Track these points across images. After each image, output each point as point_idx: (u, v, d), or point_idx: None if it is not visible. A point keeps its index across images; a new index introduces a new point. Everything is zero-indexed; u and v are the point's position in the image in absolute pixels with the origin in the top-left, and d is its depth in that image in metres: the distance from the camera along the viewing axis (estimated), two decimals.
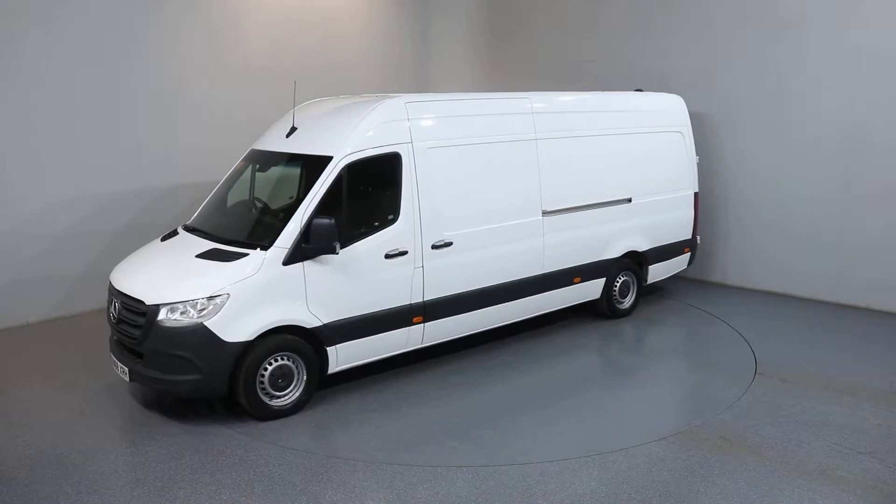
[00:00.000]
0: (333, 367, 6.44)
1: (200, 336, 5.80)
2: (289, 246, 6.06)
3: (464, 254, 7.03)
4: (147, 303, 5.98)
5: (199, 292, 5.88)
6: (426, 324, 6.89)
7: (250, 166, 7.31)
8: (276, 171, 7.32)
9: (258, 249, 6.08)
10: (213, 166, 9.05)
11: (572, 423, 6.14)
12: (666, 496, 4.98)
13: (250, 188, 7.27)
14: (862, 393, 6.63)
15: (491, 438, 5.84)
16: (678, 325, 8.79)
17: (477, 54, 13.00)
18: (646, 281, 8.99)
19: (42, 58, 8.52)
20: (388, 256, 6.54)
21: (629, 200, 8.53)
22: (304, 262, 6.13)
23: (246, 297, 5.92)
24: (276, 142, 7.16)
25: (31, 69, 8.46)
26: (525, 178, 7.57)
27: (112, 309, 6.43)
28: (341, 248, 6.20)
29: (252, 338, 5.94)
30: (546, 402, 6.52)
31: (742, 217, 10.06)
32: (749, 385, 6.84)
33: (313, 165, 6.51)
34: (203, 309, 5.83)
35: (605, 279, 8.45)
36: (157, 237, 7.16)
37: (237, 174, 7.37)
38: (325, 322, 6.25)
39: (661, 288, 9.82)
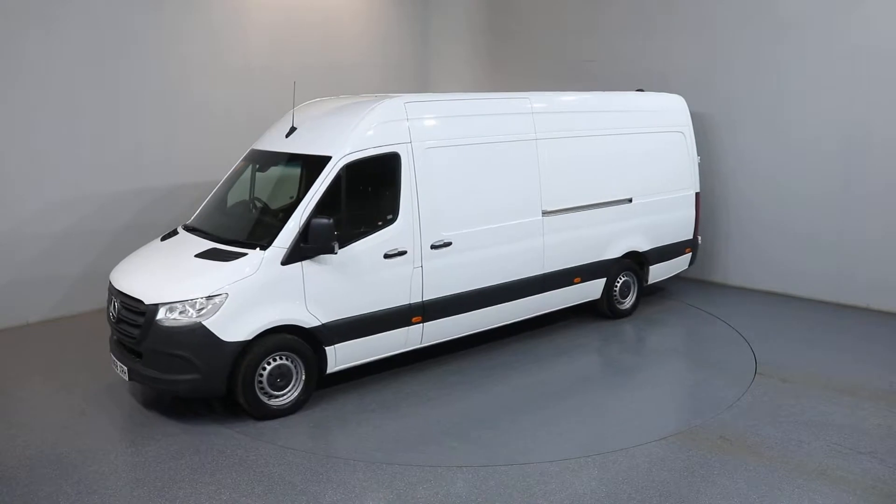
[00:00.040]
0: (332, 367, 6.44)
1: (199, 335, 5.81)
2: (287, 246, 6.07)
3: (463, 254, 7.03)
4: (146, 302, 5.99)
5: (197, 292, 5.88)
6: (425, 324, 6.89)
7: (250, 166, 7.31)
8: (275, 171, 7.33)
9: (257, 249, 6.08)
10: (213, 166, 9.05)
11: (572, 423, 6.14)
12: (666, 496, 4.98)
13: (250, 188, 7.27)
14: (862, 393, 6.63)
15: (491, 438, 5.84)
16: (678, 325, 8.79)
17: (477, 54, 13.00)
18: (646, 281, 8.98)
19: (42, 58, 8.52)
20: (387, 256, 6.54)
21: (630, 200, 8.52)
22: (303, 262, 6.13)
23: (244, 296, 5.92)
24: (275, 142, 7.16)
25: (31, 69, 8.46)
26: (525, 178, 7.57)
27: (112, 308, 6.44)
28: (340, 247, 6.20)
29: (250, 337, 5.94)
30: (546, 402, 6.52)
31: (743, 217, 10.06)
32: (749, 385, 6.84)
33: (312, 165, 6.51)
34: (202, 308, 5.83)
35: (605, 279, 8.44)
36: (157, 237, 7.17)
37: (237, 174, 7.37)
38: (323, 322, 6.25)
39: (662, 288, 9.82)
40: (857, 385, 6.80)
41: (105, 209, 9.18)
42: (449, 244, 6.91)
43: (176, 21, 9.55)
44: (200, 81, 9.84)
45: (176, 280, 6.14)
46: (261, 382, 6.07)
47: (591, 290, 8.37)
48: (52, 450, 5.69)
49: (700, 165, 9.40)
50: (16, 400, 6.74)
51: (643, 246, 8.74)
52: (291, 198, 6.94)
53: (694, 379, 7.30)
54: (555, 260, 7.83)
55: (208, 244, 6.43)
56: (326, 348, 6.34)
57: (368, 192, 6.91)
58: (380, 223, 6.58)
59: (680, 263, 9.39)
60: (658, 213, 8.86)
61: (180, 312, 5.85)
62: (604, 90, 9.61)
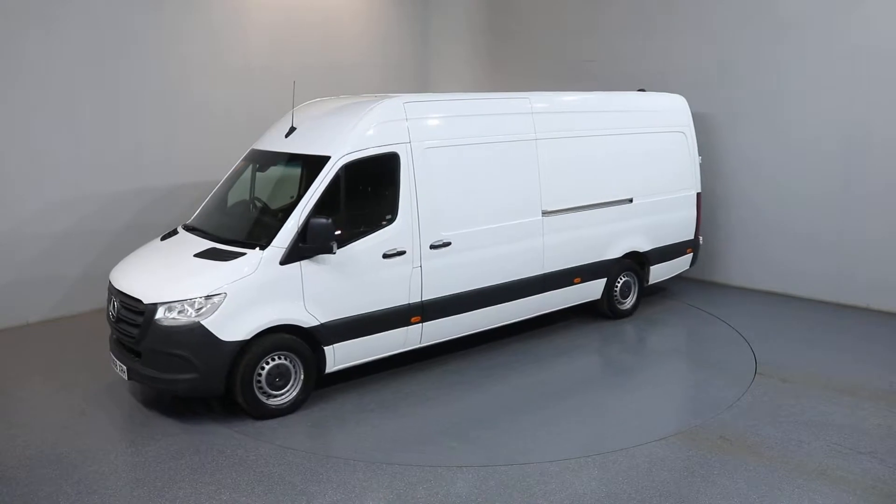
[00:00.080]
0: (331, 367, 6.44)
1: (197, 335, 5.81)
2: (286, 245, 6.07)
3: (462, 254, 7.03)
4: (145, 302, 5.99)
5: (196, 291, 5.89)
6: (424, 324, 6.89)
7: (250, 166, 7.32)
8: (275, 170, 7.33)
9: (256, 249, 6.09)
10: (213, 166, 9.05)
11: (572, 423, 6.14)
12: (666, 496, 4.98)
13: (250, 188, 7.28)
14: (862, 393, 6.63)
15: (490, 438, 5.83)
16: (679, 325, 8.79)
17: (477, 54, 13.00)
18: (647, 281, 8.97)
19: (42, 58, 8.52)
20: (385, 256, 6.54)
21: (630, 201, 8.52)
22: (302, 262, 6.14)
23: (243, 296, 5.93)
24: (275, 142, 7.16)
25: (31, 69, 8.46)
26: (524, 178, 7.56)
27: (111, 308, 6.45)
28: (339, 247, 6.21)
29: (249, 337, 5.95)
30: (546, 402, 6.52)
31: (744, 217, 10.05)
32: (749, 385, 6.84)
33: (311, 165, 6.52)
34: (200, 308, 5.84)
35: (605, 279, 8.43)
36: (157, 237, 7.17)
37: (237, 174, 7.38)
38: (322, 321, 6.26)
39: (663, 288, 9.82)
40: (857, 385, 6.80)
41: (105, 209, 9.18)
42: (448, 244, 6.91)
43: (176, 21, 9.55)
44: (200, 81, 9.84)
45: (175, 280, 6.14)
46: (259, 382, 6.07)
47: (592, 290, 8.37)
48: (52, 450, 5.69)
49: (701, 165, 9.39)
50: (16, 400, 6.74)
51: (644, 246, 8.74)
52: (291, 198, 6.94)
53: (694, 379, 7.30)
54: (555, 260, 7.82)
55: (207, 244, 6.44)
56: (325, 348, 6.34)
57: (367, 192, 6.92)
58: (379, 223, 6.58)
59: (681, 264, 9.38)
60: (659, 214, 8.85)
61: (179, 312, 5.86)
62: (604, 90, 9.61)
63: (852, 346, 7.90)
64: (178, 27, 9.58)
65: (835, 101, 9.05)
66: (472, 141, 7.18)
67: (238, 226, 7.02)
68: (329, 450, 5.75)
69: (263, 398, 6.12)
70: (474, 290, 7.19)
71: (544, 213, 7.68)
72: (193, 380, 5.90)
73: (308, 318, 6.19)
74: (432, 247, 6.82)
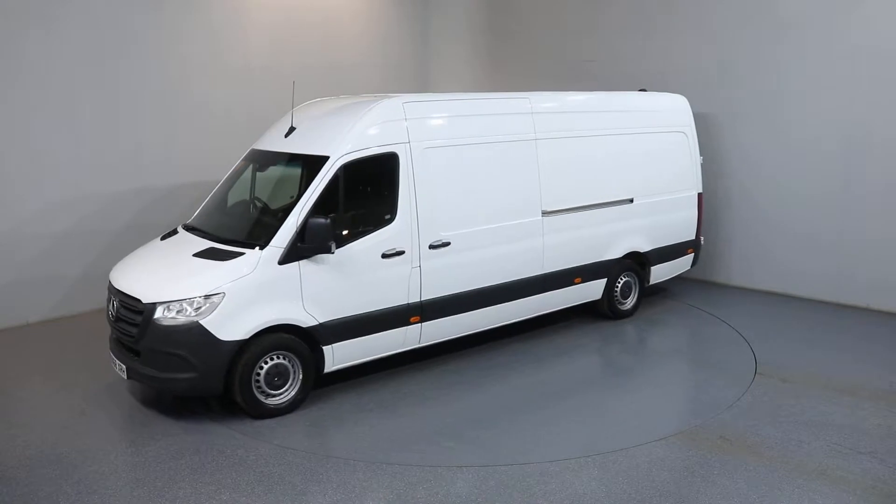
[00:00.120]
0: (330, 367, 6.45)
1: (196, 334, 5.82)
2: (284, 245, 6.08)
3: (462, 254, 7.03)
4: (144, 301, 6.00)
5: (195, 291, 5.90)
6: (423, 323, 6.89)
7: (250, 166, 7.32)
8: (275, 170, 7.33)
9: (255, 249, 6.09)
10: (213, 166, 9.06)
11: (572, 423, 6.14)
12: (666, 496, 4.98)
13: (251, 188, 7.28)
14: (862, 393, 6.63)
15: (490, 438, 5.83)
16: (679, 325, 8.78)
17: (477, 54, 13.00)
18: (648, 282, 8.96)
19: (42, 58, 8.52)
20: (384, 256, 6.55)
21: (631, 201, 8.51)
22: (300, 262, 6.14)
23: (242, 295, 5.93)
24: (275, 142, 7.17)
25: (31, 69, 8.46)
26: (524, 178, 7.56)
27: (111, 307, 6.45)
28: (338, 247, 6.22)
29: (247, 336, 5.95)
30: (546, 402, 6.52)
31: (745, 217, 10.04)
32: (749, 385, 6.84)
33: (310, 165, 6.52)
34: (199, 307, 5.85)
35: (606, 280, 8.43)
36: (157, 237, 7.17)
37: (237, 174, 7.38)
38: (320, 321, 6.26)
39: (664, 289, 9.82)
40: (857, 385, 6.80)
41: (105, 209, 9.18)
42: (447, 244, 6.91)
43: (176, 21, 9.55)
44: (200, 81, 9.84)
45: (174, 279, 6.15)
46: (258, 381, 6.08)
47: (592, 290, 8.37)
48: (52, 450, 5.69)
49: (702, 166, 9.38)
50: (16, 400, 6.74)
51: (644, 246, 8.73)
52: (291, 197, 6.94)
53: (694, 379, 7.30)
54: (555, 260, 7.82)
55: (207, 244, 6.44)
56: (324, 348, 6.34)
57: (366, 192, 6.92)
58: (378, 223, 6.58)
59: (682, 264, 9.37)
60: (660, 214, 8.84)
61: (178, 311, 5.86)
62: (605, 90, 9.60)
63: (852, 346, 7.90)
64: (178, 27, 9.58)
65: (835, 101, 9.05)
66: (472, 141, 7.18)
67: (237, 226, 7.02)
68: (328, 450, 5.75)
69: (262, 397, 6.13)
70: (473, 290, 7.19)
71: (544, 213, 7.68)
72: (192, 379, 5.91)
73: (307, 317, 6.19)
74: (431, 247, 6.82)
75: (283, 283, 6.09)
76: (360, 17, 11.67)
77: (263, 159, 7.26)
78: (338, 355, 6.45)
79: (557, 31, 11.77)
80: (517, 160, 7.52)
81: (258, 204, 7.24)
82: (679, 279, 9.72)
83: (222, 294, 5.88)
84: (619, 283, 8.61)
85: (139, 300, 6.04)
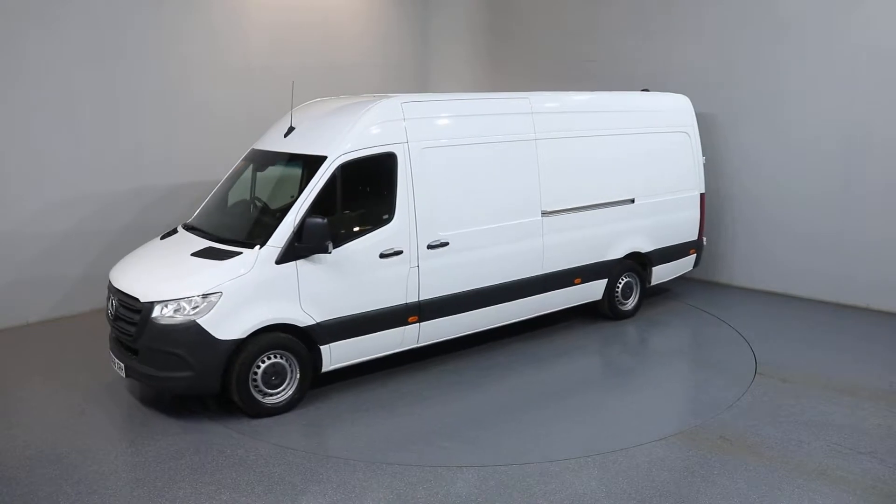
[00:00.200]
0: (327, 366, 6.45)
1: (193, 333, 5.83)
2: (282, 245, 6.09)
3: (460, 254, 7.03)
4: (142, 300, 6.01)
5: (192, 290, 5.91)
6: (422, 324, 6.89)
7: (250, 166, 7.33)
8: (275, 170, 7.33)
9: (252, 248, 6.10)
10: (213, 166, 9.06)
11: (572, 423, 6.14)
12: (666, 496, 4.98)
13: (251, 188, 7.28)
14: (862, 393, 6.63)
15: (490, 438, 5.83)
16: (679, 326, 8.78)
17: (477, 54, 13.00)
18: (649, 282, 8.95)
19: (42, 58, 8.52)
20: (382, 256, 6.55)
21: (632, 201, 8.50)
22: (298, 261, 6.15)
23: (239, 295, 5.94)
24: (274, 142, 7.18)
25: (31, 69, 8.46)
26: (523, 178, 7.55)
27: (110, 306, 6.47)
28: (335, 247, 6.23)
29: (244, 336, 5.96)
30: (546, 403, 6.52)
31: (745, 217, 10.04)
32: (749, 385, 6.84)
33: (309, 165, 6.53)
34: (196, 307, 5.86)
35: (607, 280, 8.42)
36: (157, 237, 7.18)
37: (237, 174, 7.39)
38: (318, 321, 6.26)
39: (666, 289, 9.81)
40: (857, 385, 6.80)
41: (105, 209, 9.18)
42: (446, 244, 6.91)
43: (176, 21, 9.55)
44: (200, 81, 9.83)
45: (172, 278, 6.17)
46: (255, 380, 6.09)
47: (593, 290, 8.36)
48: (52, 450, 5.69)
49: (705, 166, 9.37)
50: (16, 400, 6.74)
51: (646, 247, 8.72)
52: (292, 197, 6.94)
53: (694, 379, 7.29)
54: (555, 260, 7.81)
55: (205, 243, 6.46)
56: (321, 347, 6.35)
57: (364, 192, 6.93)
58: (376, 223, 6.58)
59: (684, 265, 9.35)
60: (661, 214, 8.82)
61: (175, 310, 5.88)
62: (605, 90, 9.60)
63: (852, 346, 7.90)
64: (178, 27, 9.58)
65: (835, 101, 9.05)
66: (471, 141, 7.17)
67: (236, 225, 7.03)
68: (326, 449, 5.75)
69: (259, 396, 6.14)
70: (472, 290, 7.19)
71: (544, 213, 7.67)
72: (189, 378, 5.92)
73: (304, 317, 6.20)
74: (430, 247, 6.82)
75: (280, 283, 6.10)
76: (360, 17, 11.67)
77: (263, 159, 7.27)
78: (335, 355, 6.45)
79: (557, 31, 11.76)
80: (517, 160, 7.52)
81: (258, 204, 7.25)
82: (681, 279, 9.72)
83: (220, 293, 5.89)
84: (620, 283, 8.60)
85: (137, 299, 6.06)
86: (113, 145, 9.17)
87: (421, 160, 6.77)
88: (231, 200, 7.31)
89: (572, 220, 7.93)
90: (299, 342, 6.24)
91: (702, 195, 9.28)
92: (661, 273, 9.07)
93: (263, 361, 6.10)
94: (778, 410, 6.29)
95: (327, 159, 6.38)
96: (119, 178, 9.25)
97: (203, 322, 5.83)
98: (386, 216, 6.62)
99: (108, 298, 6.54)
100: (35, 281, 8.75)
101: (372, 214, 6.69)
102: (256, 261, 6.04)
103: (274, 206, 7.09)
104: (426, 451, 5.62)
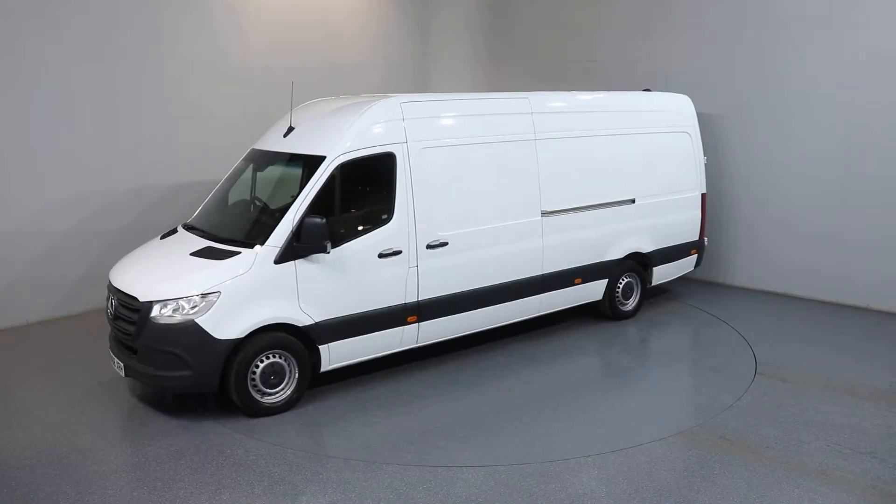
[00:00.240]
0: (326, 366, 6.46)
1: (191, 333, 5.84)
2: (280, 245, 6.10)
3: (459, 254, 7.02)
4: (141, 299, 6.02)
5: (191, 289, 5.92)
6: (420, 323, 6.89)
7: (250, 166, 7.33)
8: (274, 170, 7.33)
9: (252, 248, 6.11)
10: (213, 166, 9.06)
11: (572, 423, 6.14)
12: (666, 496, 4.97)
13: (251, 188, 7.28)
14: (862, 393, 6.63)
15: (490, 438, 5.83)
16: (680, 326, 8.78)
17: (477, 54, 13.00)
18: (650, 283, 8.94)
19: (42, 58, 8.52)
20: (381, 256, 6.55)
21: (633, 201, 8.50)
22: (297, 261, 6.16)
23: (238, 294, 5.95)
24: (274, 142, 7.18)
25: (31, 69, 8.46)
26: (523, 178, 7.55)
27: (109, 305, 6.48)
28: (334, 247, 6.23)
29: (243, 335, 5.97)
30: (546, 403, 6.52)
31: (745, 217, 10.04)
32: (749, 385, 6.84)
33: (308, 165, 6.53)
34: (195, 306, 5.87)
35: (607, 280, 8.42)
36: (157, 236, 7.18)
37: (237, 174, 7.39)
38: (317, 321, 6.27)
39: (667, 290, 9.81)
40: (857, 385, 6.80)
41: (105, 209, 9.18)
42: (445, 244, 6.91)
43: (176, 21, 9.55)
44: (200, 81, 9.83)
45: (171, 278, 6.18)
46: (254, 380, 6.09)
47: (593, 291, 8.36)
48: (52, 450, 5.69)
49: (706, 166, 9.36)
50: (16, 400, 6.74)
51: (647, 247, 8.71)
52: (292, 197, 6.93)
53: (694, 379, 7.29)
54: (555, 261, 7.81)
55: (205, 243, 6.46)
56: (320, 347, 6.35)
57: (363, 192, 6.93)
58: (374, 223, 6.59)
59: (685, 265, 9.34)
60: (662, 215, 8.81)
61: (174, 310, 5.88)
62: (605, 90, 9.59)
63: (852, 346, 7.90)
64: (178, 27, 9.57)
65: (835, 101, 9.05)
66: (470, 141, 7.17)
67: (235, 225, 7.04)
68: (325, 449, 5.75)
69: (258, 396, 6.14)
70: (472, 290, 7.19)
71: (543, 213, 7.67)
72: (187, 377, 5.93)
73: (303, 316, 6.20)
74: (429, 247, 6.82)
75: (279, 283, 6.10)
76: (360, 17, 11.66)
77: (263, 159, 7.27)
78: (334, 354, 6.46)
79: (557, 31, 11.76)
80: (516, 160, 7.51)
81: (257, 203, 7.25)
82: (682, 279, 9.71)
83: (218, 293, 5.90)
84: (620, 283, 8.60)
85: (136, 298, 6.06)
86: (113, 145, 9.16)
87: (420, 160, 6.77)
88: (231, 200, 7.31)
89: (572, 220, 7.93)
90: (298, 342, 6.24)
91: (703, 195, 9.26)
92: (662, 273, 9.06)
93: (262, 361, 6.11)
94: (778, 410, 6.29)
95: (326, 159, 6.38)
96: (119, 178, 9.25)
97: (202, 321, 5.84)
98: (385, 216, 6.62)
99: (108, 298, 6.55)
100: (35, 281, 8.75)
101: (371, 214, 6.69)
102: (255, 260, 6.04)
103: (273, 205, 7.08)
104: (425, 451, 5.62)
